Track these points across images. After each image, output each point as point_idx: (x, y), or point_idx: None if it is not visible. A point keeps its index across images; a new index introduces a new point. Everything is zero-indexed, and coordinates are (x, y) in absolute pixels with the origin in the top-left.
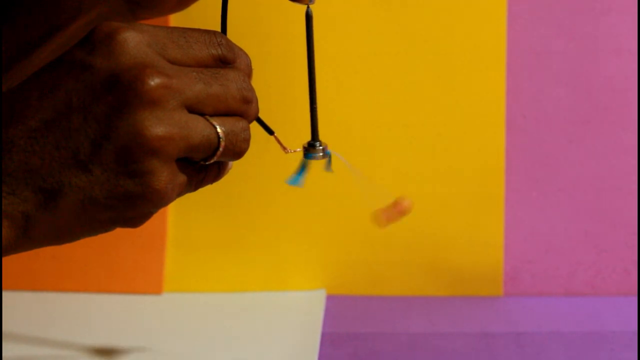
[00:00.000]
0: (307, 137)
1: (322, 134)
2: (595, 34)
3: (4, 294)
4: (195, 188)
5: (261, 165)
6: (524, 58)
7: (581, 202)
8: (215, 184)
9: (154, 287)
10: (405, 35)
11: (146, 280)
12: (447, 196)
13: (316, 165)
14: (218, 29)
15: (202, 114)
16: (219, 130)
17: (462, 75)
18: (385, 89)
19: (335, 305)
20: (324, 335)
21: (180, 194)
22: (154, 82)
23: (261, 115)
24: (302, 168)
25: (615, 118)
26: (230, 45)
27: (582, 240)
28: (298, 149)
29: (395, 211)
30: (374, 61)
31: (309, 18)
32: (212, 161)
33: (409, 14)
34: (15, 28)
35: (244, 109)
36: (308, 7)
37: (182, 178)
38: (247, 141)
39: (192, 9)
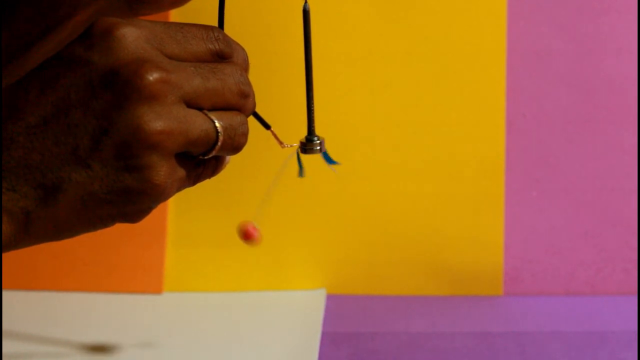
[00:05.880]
0: (305, 133)
1: (321, 134)
2: (595, 34)
3: (4, 293)
4: (194, 183)
5: (261, 165)
6: (524, 58)
7: (581, 202)
8: (215, 184)
9: (154, 286)
10: (405, 35)
11: (146, 279)
12: (447, 196)
13: (316, 164)
14: (216, 24)
15: (200, 109)
16: (217, 124)
17: (462, 75)
18: (384, 87)
19: (335, 305)
20: (324, 335)
21: (179, 189)
22: (153, 77)
23: (258, 110)
24: (299, 163)
25: (615, 118)
26: (228, 40)
27: (582, 240)
28: (294, 144)
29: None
30: (374, 60)
31: (306, 13)
32: (210, 155)
33: (409, 13)
34: (15, 24)
35: (241, 103)
36: (305, 2)
37: (181, 173)
38: (245, 135)
39: (192, 4)
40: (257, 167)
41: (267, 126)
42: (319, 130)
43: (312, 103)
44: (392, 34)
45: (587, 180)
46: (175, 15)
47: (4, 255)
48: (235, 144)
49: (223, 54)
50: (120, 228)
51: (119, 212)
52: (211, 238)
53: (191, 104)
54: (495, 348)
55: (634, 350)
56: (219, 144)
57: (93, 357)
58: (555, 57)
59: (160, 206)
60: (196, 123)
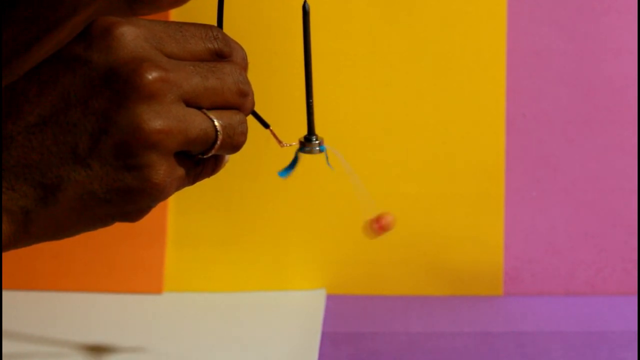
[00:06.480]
0: (304, 132)
1: (321, 133)
2: (595, 34)
3: (4, 293)
4: (193, 182)
5: (262, 164)
6: (524, 58)
7: (581, 202)
8: (216, 184)
9: (154, 286)
10: (405, 35)
11: (146, 279)
12: (447, 196)
13: (316, 164)
14: (215, 23)
15: (199, 108)
16: (216, 123)
17: (462, 75)
18: (384, 88)
19: (335, 305)
20: (324, 335)
21: (178, 188)
22: (152, 75)
23: (257, 110)
24: (294, 161)
25: (615, 118)
26: (226, 39)
27: (582, 240)
28: (294, 143)
29: (378, 226)
30: (374, 60)
31: (306, 13)
32: (209, 154)
33: (409, 13)
34: (15, 23)
35: (240, 102)
36: (305, 2)
37: (180, 172)
38: (244, 134)
39: (192, 4)
40: (256, 166)
41: (266, 125)
42: (318, 130)
43: (312, 103)
44: (392, 34)
45: (587, 180)
46: (175, 15)
47: (4, 255)
48: (235, 143)
49: (222, 53)
50: (120, 228)
51: (118, 211)
52: (211, 238)
53: (190, 103)
54: (495, 348)
55: (634, 350)
56: (218, 142)
57: (93, 357)
58: (555, 57)
59: (160, 206)
60: (195, 122)
